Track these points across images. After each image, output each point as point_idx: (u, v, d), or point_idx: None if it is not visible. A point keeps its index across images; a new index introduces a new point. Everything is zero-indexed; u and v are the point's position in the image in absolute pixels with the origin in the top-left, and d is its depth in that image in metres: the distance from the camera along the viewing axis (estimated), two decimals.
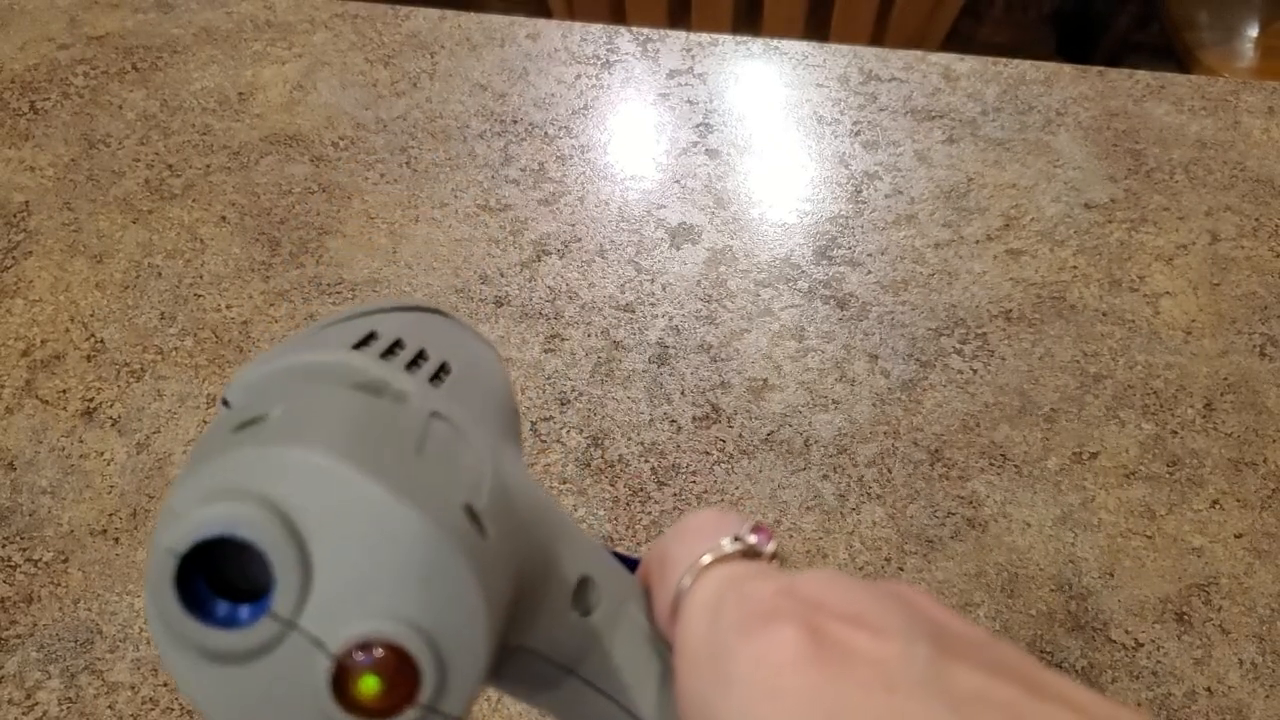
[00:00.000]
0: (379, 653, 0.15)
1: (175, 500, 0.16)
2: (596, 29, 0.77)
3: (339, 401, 0.17)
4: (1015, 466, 0.54)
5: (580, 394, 0.57)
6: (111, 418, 0.56)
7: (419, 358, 0.20)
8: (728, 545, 0.19)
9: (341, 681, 0.15)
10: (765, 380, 0.58)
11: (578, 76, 0.74)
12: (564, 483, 0.54)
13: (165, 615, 0.15)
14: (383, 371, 0.19)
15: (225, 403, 0.20)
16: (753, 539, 0.20)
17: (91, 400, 0.57)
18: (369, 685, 0.15)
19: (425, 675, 0.15)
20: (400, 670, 0.15)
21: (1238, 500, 0.53)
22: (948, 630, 0.16)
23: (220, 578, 0.16)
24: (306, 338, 0.20)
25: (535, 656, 0.20)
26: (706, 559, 0.19)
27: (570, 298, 0.61)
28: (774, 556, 0.20)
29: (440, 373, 0.20)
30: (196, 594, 0.15)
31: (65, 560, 0.51)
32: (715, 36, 0.77)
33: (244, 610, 0.15)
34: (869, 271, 0.63)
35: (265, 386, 0.19)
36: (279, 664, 0.15)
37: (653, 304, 0.61)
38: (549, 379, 0.58)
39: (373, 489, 0.15)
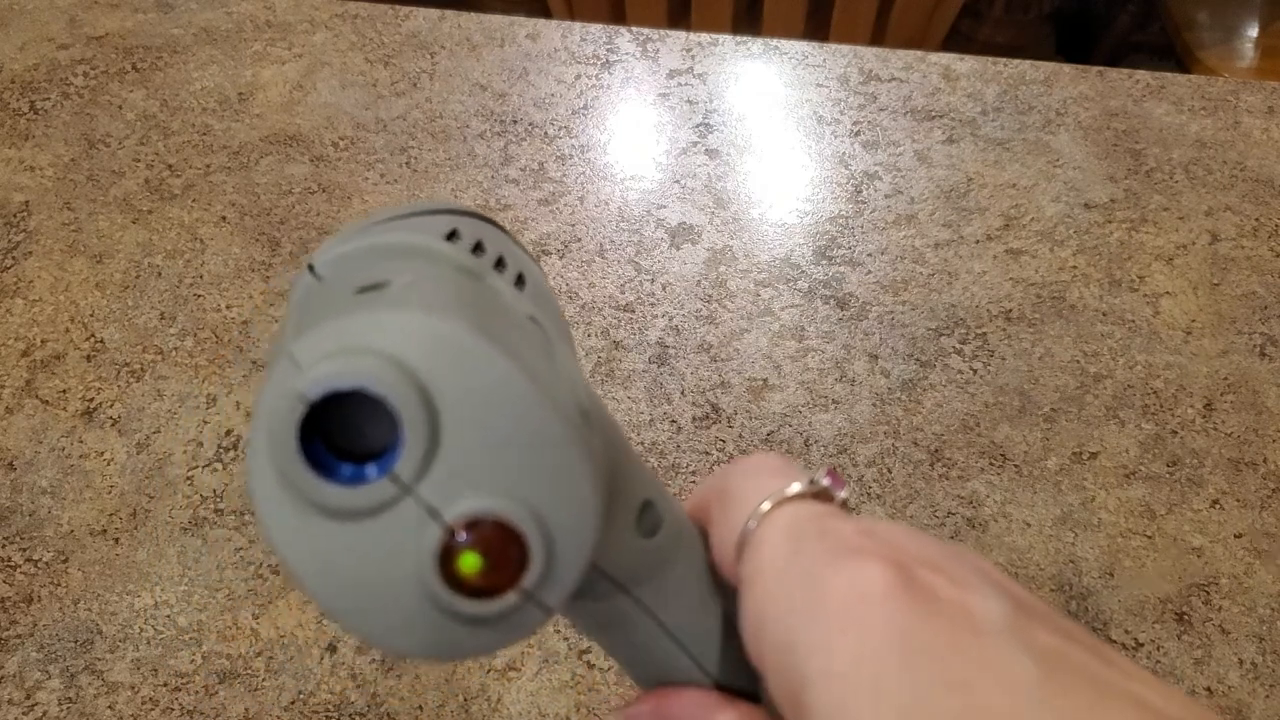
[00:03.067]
0: (491, 530, 0.15)
1: (299, 351, 0.15)
2: (596, 29, 0.77)
3: (458, 282, 0.17)
4: (1015, 466, 0.54)
5: None
6: (111, 418, 0.56)
7: (500, 262, 0.20)
8: (801, 485, 0.19)
9: (448, 554, 0.15)
10: (765, 380, 0.58)
11: (578, 76, 0.74)
12: None
13: (279, 461, 0.15)
14: (477, 265, 0.19)
15: (311, 269, 0.19)
16: (826, 482, 0.20)
17: (91, 400, 0.57)
18: (475, 562, 0.15)
19: (534, 559, 0.15)
20: (509, 551, 0.15)
21: (1238, 500, 0.53)
22: (1016, 593, 0.17)
23: (325, 436, 0.15)
24: (385, 224, 0.20)
25: (596, 571, 0.20)
26: (775, 498, 0.19)
27: (570, 298, 0.61)
28: (844, 503, 0.20)
29: (519, 281, 0.20)
30: (311, 446, 0.15)
31: (65, 560, 0.51)
32: (715, 36, 0.77)
33: (371, 468, 0.15)
34: (869, 271, 0.63)
35: (363, 260, 0.18)
36: (387, 528, 0.15)
37: (653, 304, 0.61)
38: None
39: (508, 369, 0.15)
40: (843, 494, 0.20)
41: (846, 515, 0.19)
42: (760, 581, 0.18)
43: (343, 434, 0.15)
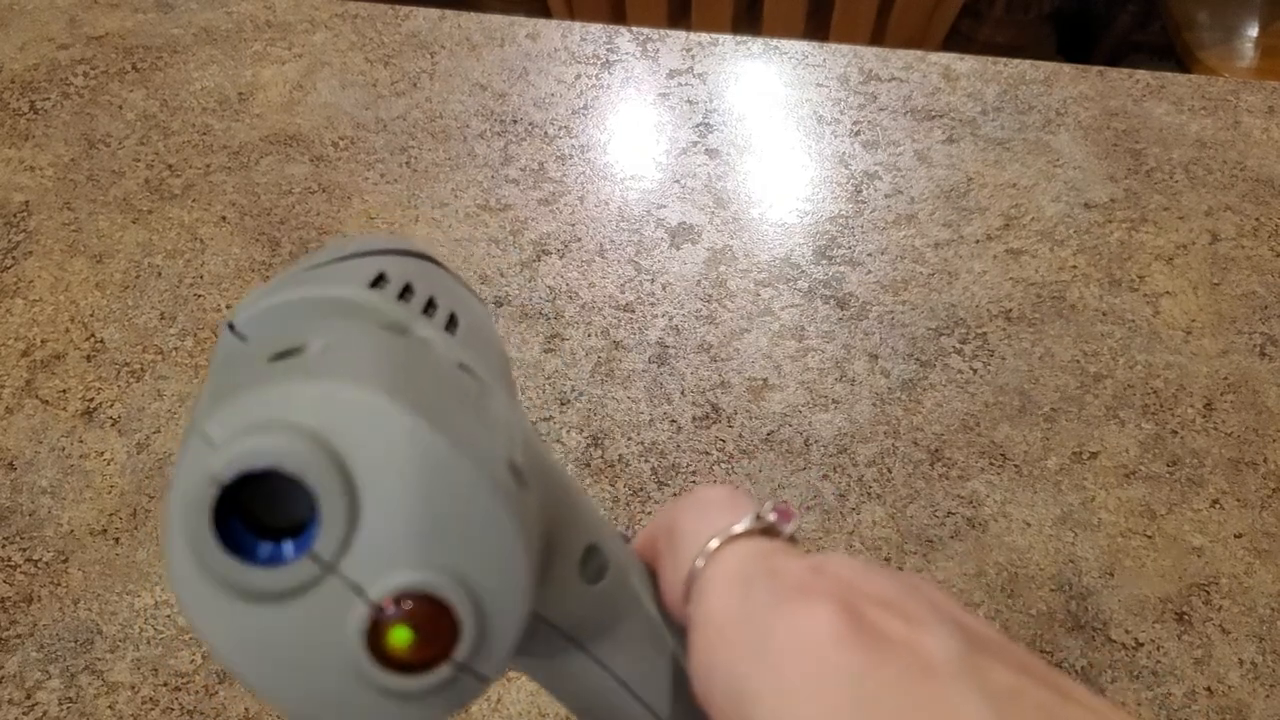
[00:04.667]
0: (418, 604, 0.15)
1: (211, 428, 0.14)
2: (596, 29, 0.77)
3: (377, 341, 0.17)
4: (1015, 466, 0.54)
5: (580, 394, 0.57)
6: (111, 418, 0.56)
7: (430, 305, 0.19)
8: (749, 522, 0.19)
9: (376, 631, 0.14)
10: (765, 380, 0.58)
11: (578, 76, 0.74)
12: None
13: (195, 544, 0.14)
14: (403, 315, 0.18)
15: (232, 328, 0.18)
16: (773, 518, 0.19)
17: (91, 400, 0.57)
18: (404, 637, 0.15)
19: (465, 631, 0.15)
20: (439, 624, 0.15)
21: (1238, 500, 0.53)
22: (971, 628, 0.16)
23: (242, 514, 0.15)
24: (311, 272, 0.19)
25: (541, 622, 0.19)
26: (723, 536, 0.19)
27: (570, 297, 0.61)
28: (791, 538, 0.19)
29: (451, 323, 0.19)
30: (226, 527, 0.14)
31: (65, 560, 0.51)
32: (715, 36, 0.77)
33: (288, 547, 0.14)
34: (869, 271, 0.63)
35: (282, 318, 0.18)
36: (311, 608, 0.14)
37: (653, 304, 0.61)
38: (549, 379, 0.58)
39: (429, 436, 0.15)
40: (790, 528, 0.19)
41: (795, 552, 0.18)
42: (708, 626, 0.17)
43: (264, 506, 0.15)
